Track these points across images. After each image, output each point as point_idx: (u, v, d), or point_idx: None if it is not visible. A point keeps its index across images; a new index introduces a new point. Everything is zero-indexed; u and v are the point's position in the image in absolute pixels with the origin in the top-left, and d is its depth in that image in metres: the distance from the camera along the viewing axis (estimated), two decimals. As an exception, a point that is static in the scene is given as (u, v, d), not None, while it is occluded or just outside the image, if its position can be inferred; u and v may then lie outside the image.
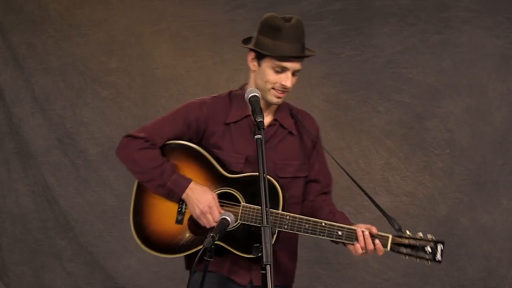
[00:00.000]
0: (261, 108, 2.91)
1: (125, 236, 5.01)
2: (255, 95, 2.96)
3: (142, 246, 3.19)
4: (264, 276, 2.54)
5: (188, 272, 3.19)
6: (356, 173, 4.67)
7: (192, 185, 3.08)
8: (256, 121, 2.82)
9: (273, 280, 3.00)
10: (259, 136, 2.78)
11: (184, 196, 3.08)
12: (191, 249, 3.12)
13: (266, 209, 2.64)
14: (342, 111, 4.87)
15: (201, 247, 2.98)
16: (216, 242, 2.98)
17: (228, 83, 4.92)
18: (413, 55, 4.81)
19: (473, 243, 4.74)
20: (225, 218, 2.84)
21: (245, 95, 2.99)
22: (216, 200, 3.07)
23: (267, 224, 2.62)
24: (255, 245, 2.74)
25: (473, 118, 4.76)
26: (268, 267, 2.55)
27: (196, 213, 3.06)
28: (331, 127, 4.81)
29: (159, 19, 5.04)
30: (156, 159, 3.12)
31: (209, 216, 3.05)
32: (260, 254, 2.59)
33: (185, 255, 3.18)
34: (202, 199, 3.05)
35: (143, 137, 3.14)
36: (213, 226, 2.94)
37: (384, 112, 4.84)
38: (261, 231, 2.60)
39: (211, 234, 2.74)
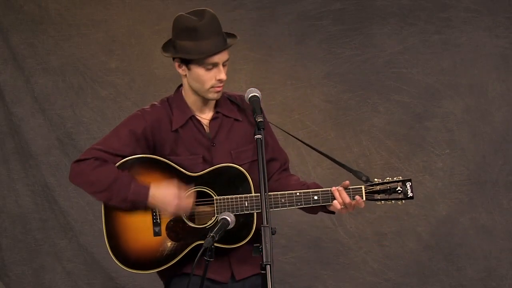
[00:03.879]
0: (261, 108, 2.91)
1: (125, 236, 5.01)
2: (255, 95, 2.97)
3: (129, 269, 3.13)
4: (264, 276, 2.54)
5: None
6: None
7: (152, 190, 3.05)
8: (256, 121, 2.82)
9: (254, 269, 3.01)
10: (259, 136, 2.77)
11: (149, 204, 3.05)
12: (176, 256, 3.09)
13: (266, 209, 2.64)
14: (342, 111, 4.87)
15: (186, 251, 3.03)
16: (199, 242, 3.01)
17: (228, 83, 4.88)
18: (413, 55, 4.81)
19: (473, 243, 4.74)
20: (225, 218, 2.83)
21: (245, 96, 3.00)
22: (179, 187, 3.04)
23: (267, 224, 2.62)
24: (255, 245, 2.74)
25: (473, 118, 4.76)
26: (268, 267, 2.55)
27: (171, 212, 3.05)
28: (331, 127, 4.81)
29: (159, 19, 5.04)
30: (110, 173, 3.07)
31: (183, 205, 3.03)
32: (260, 254, 2.59)
33: (165, 268, 3.13)
34: (167, 197, 3.03)
35: (91, 157, 3.10)
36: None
37: (384, 112, 4.84)
38: (261, 231, 2.60)
39: (211, 234, 2.74)
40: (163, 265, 3.11)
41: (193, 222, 3.08)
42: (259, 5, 4.92)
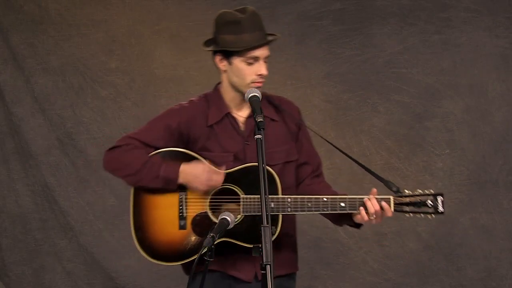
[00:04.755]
0: (261, 108, 2.91)
1: (125, 236, 5.00)
2: (255, 95, 2.97)
3: (153, 260, 3.16)
4: (264, 276, 2.54)
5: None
6: (356, 173, 4.67)
7: (182, 166, 3.08)
8: (256, 121, 2.82)
9: (277, 270, 2.99)
10: (259, 136, 2.78)
11: (180, 179, 3.08)
12: (199, 251, 3.11)
13: (266, 209, 2.64)
14: (342, 111, 4.87)
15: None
16: (221, 239, 3.00)
17: (228, 83, 4.92)
18: (413, 55, 4.81)
19: (473, 243, 4.74)
20: (225, 218, 2.84)
21: (245, 96, 3.00)
22: (208, 164, 3.07)
23: (267, 224, 2.62)
24: (254, 245, 2.75)
25: (473, 118, 4.76)
26: (268, 267, 2.55)
27: (202, 185, 3.07)
28: (331, 127, 4.81)
29: (159, 19, 5.04)
30: (142, 156, 3.12)
31: (214, 179, 3.06)
32: (260, 254, 2.59)
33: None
34: (198, 171, 3.05)
35: (124, 144, 3.16)
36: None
37: (384, 112, 4.84)
38: (261, 231, 2.60)
39: (211, 234, 2.75)
40: (186, 258, 3.13)
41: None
42: (259, 5, 4.91)
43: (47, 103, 5.07)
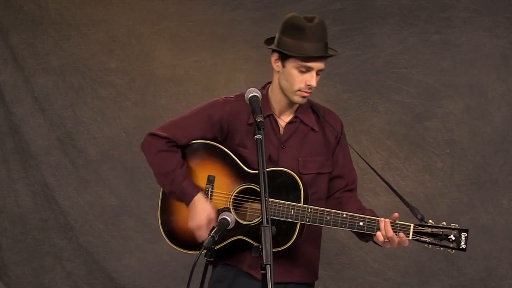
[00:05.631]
0: (260, 108, 2.91)
1: (125, 236, 5.01)
2: (255, 95, 2.96)
3: (170, 244, 3.22)
4: (264, 276, 2.55)
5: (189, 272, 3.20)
6: (356, 173, 4.67)
7: (196, 197, 3.13)
8: (256, 121, 2.83)
9: (298, 277, 3.15)
10: (259, 136, 2.78)
11: (189, 205, 3.14)
12: (216, 245, 3.12)
13: (266, 209, 2.64)
14: (342, 111, 4.86)
15: (225, 243, 3.08)
16: (239, 237, 3.06)
17: (228, 83, 4.92)
18: (413, 55, 4.81)
19: (473, 243, 4.72)
20: (225, 218, 2.85)
21: (245, 95, 2.99)
22: (211, 220, 3.10)
23: (267, 224, 2.62)
24: (254, 245, 2.75)
25: (473, 118, 4.76)
26: (268, 267, 2.55)
27: (191, 225, 3.13)
28: (331, 127, 4.80)
29: (159, 19, 5.04)
30: (172, 163, 3.16)
31: (197, 234, 3.12)
32: (260, 254, 2.59)
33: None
34: (197, 217, 3.11)
35: (165, 136, 3.18)
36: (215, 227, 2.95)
37: (384, 112, 4.84)
38: (261, 231, 2.60)
39: (211, 234, 2.75)
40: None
41: (242, 217, 3.12)
42: (259, 5, 4.92)
43: (47, 103, 5.08)
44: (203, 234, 3.09)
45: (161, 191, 3.26)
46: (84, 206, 5.06)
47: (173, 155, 3.18)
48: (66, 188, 5.07)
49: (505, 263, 4.71)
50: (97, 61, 5.06)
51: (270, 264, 2.55)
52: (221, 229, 2.81)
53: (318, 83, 3.14)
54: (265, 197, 2.67)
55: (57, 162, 5.07)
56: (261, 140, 2.77)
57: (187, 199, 3.13)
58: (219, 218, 2.86)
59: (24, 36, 5.08)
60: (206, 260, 2.75)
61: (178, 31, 5.02)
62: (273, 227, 3.01)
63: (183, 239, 3.20)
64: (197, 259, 2.72)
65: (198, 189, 3.15)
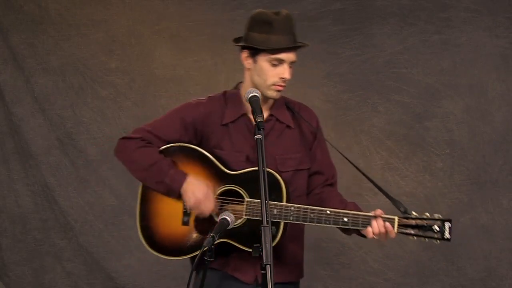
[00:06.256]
0: (261, 108, 2.91)
1: (125, 236, 5.01)
2: (255, 95, 2.96)
3: (151, 251, 3.18)
4: (264, 276, 2.54)
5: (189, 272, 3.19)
6: (356, 173, 4.67)
7: (189, 179, 3.08)
8: (256, 121, 2.82)
9: (282, 277, 3.09)
10: (259, 136, 2.78)
11: (181, 190, 3.08)
12: (198, 249, 3.09)
13: (266, 209, 2.64)
14: (342, 111, 4.87)
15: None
16: (222, 240, 3.02)
17: (228, 83, 4.88)
18: (413, 55, 4.81)
19: (473, 243, 4.74)
20: (225, 218, 2.84)
21: (245, 95, 2.99)
22: (207, 195, 3.06)
23: (267, 224, 2.62)
24: (254, 245, 2.75)
25: (473, 118, 4.76)
26: (268, 267, 2.55)
27: (191, 203, 3.06)
28: (331, 127, 4.80)
29: (159, 19, 5.04)
30: (153, 156, 3.12)
31: (202, 206, 3.05)
32: (260, 255, 2.59)
33: (190, 257, 3.18)
34: (193, 195, 3.05)
35: (139, 137, 3.15)
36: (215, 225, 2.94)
37: (384, 112, 4.84)
38: (261, 231, 2.60)
39: (211, 234, 2.75)
40: (185, 255, 3.15)
41: None
42: (259, 5, 4.91)
43: (47, 103, 5.08)
44: (204, 209, 3.05)
45: (139, 199, 3.19)
46: (84, 206, 5.06)
47: (152, 149, 3.14)
48: (66, 188, 5.07)
49: (505, 263, 4.71)
50: (97, 61, 5.07)
51: (270, 264, 2.55)
52: (221, 229, 2.80)
53: (292, 75, 3.12)
54: (265, 197, 2.66)
55: (57, 162, 5.07)
56: (261, 140, 2.77)
57: (179, 184, 3.07)
58: (219, 218, 2.86)
59: (24, 36, 5.08)
60: (206, 260, 2.75)
61: (178, 31, 5.02)
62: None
63: (163, 245, 3.16)
64: (198, 259, 2.72)
65: (186, 174, 3.09)
